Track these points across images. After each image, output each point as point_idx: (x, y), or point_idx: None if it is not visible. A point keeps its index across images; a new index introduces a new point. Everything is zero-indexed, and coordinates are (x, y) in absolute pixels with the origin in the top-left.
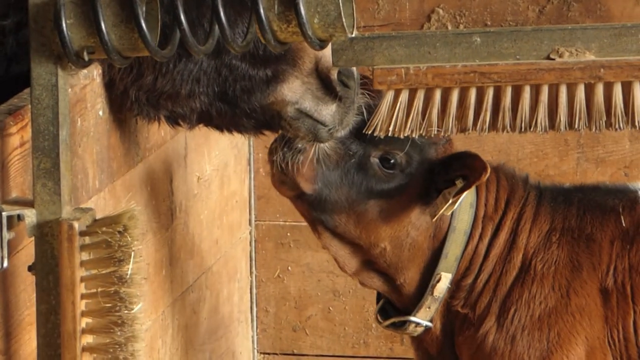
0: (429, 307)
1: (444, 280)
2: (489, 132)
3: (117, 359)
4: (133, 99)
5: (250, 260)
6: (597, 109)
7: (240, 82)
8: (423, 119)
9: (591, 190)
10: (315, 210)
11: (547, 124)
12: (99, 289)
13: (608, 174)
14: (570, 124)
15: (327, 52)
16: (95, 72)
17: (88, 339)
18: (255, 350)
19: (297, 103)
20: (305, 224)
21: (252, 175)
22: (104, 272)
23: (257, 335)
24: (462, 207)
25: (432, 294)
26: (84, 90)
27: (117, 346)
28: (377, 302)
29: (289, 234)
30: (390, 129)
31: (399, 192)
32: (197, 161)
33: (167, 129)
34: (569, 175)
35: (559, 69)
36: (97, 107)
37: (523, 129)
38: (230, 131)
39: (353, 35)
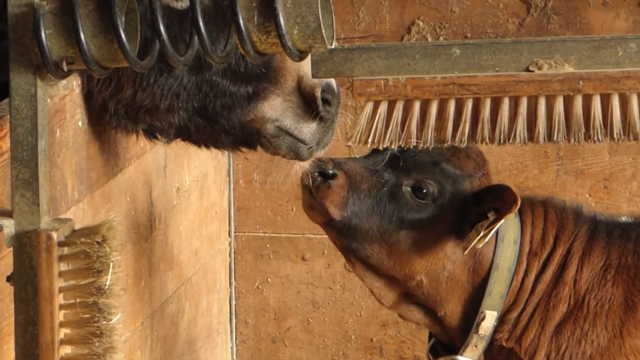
0: (476, 346)
1: (489, 319)
2: (468, 143)
3: None
4: (112, 112)
5: (230, 271)
6: (576, 121)
7: (221, 98)
8: (402, 131)
9: None
10: (345, 238)
11: (526, 135)
12: (78, 300)
13: (587, 186)
14: (549, 136)
15: (309, 69)
16: (74, 83)
17: (66, 350)
18: None
19: (277, 121)
20: (284, 235)
21: (232, 187)
22: (82, 282)
23: (236, 346)
24: (505, 244)
25: (477, 332)
26: (63, 100)
27: (96, 357)
28: (429, 340)
29: (268, 246)
30: (369, 140)
31: (431, 223)
32: (177, 172)
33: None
34: (549, 188)
35: (538, 81)
36: (76, 117)
37: (502, 141)
38: (208, 147)
39: (332, 47)
